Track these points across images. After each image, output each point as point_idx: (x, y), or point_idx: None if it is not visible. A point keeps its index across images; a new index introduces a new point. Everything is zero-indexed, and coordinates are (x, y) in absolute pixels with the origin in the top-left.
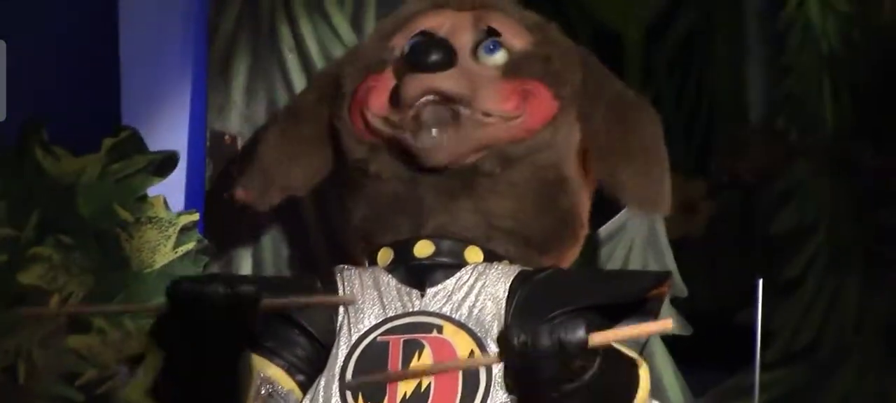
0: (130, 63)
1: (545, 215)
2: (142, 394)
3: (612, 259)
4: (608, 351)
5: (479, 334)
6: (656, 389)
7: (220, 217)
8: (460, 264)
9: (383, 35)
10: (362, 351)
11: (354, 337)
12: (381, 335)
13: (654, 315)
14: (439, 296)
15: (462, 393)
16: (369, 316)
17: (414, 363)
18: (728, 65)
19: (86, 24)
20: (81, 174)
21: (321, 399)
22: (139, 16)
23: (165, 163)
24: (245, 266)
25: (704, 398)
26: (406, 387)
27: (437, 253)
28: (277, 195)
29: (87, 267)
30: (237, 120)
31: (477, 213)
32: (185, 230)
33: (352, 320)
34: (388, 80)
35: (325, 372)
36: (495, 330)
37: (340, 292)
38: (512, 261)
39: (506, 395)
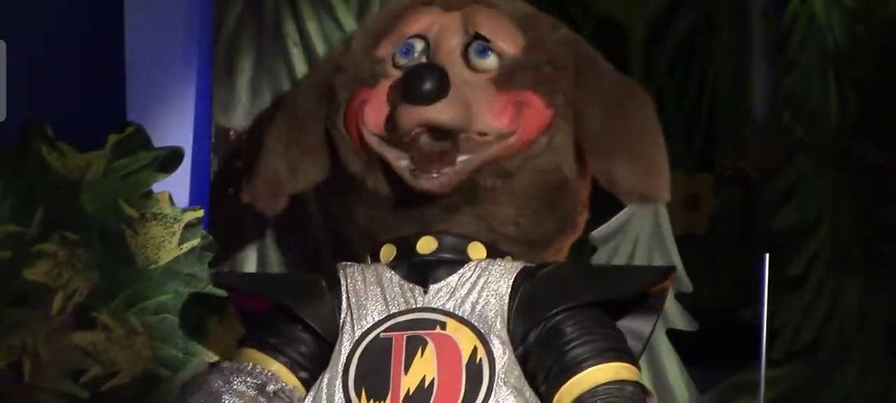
0: (135, 59)
1: (547, 216)
2: None
3: (617, 254)
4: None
5: (482, 330)
6: (661, 385)
7: (225, 213)
8: (463, 260)
9: (372, 40)
10: (365, 348)
11: (357, 334)
12: (384, 331)
13: (657, 310)
14: (442, 293)
15: (465, 389)
16: (372, 312)
17: (417, 359)
18: (731, 60)
19: (90, 20)
20: (86, 170)
21: (324, 396)
22: (144, 12)
23: (170, 158)
24: (250, 262)
25: (709, 393)
26: (409, 383)
27: (439, 249)
28: (285, 201)
29: (92, 263)
30: (242, 115)
31: (479, 220)
32: (189, 226)
33: (355, 316)
34: (381, 94)
35: (329, 369)
36: (498, 327)
37: (343, 288)
38: (515, 258)
39: (509, 391)
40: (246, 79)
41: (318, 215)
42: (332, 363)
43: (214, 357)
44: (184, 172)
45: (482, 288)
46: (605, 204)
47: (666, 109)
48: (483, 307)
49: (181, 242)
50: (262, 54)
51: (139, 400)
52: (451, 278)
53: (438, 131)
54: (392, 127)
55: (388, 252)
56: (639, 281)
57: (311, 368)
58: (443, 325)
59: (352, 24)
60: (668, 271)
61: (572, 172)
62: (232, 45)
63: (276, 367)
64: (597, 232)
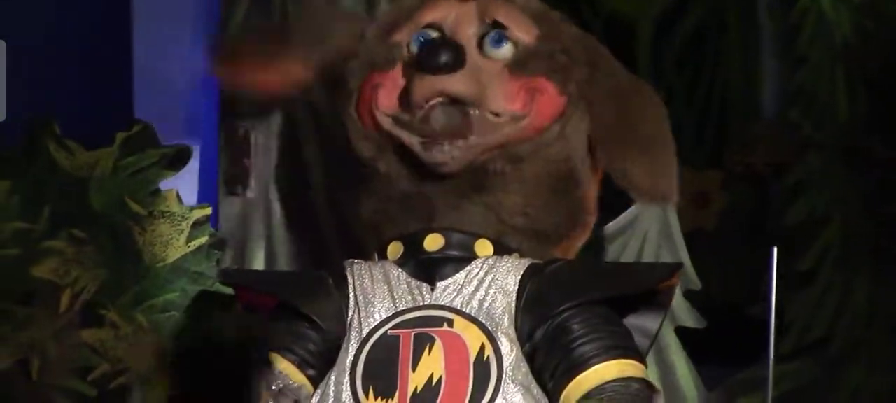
0: (143, 57)
1: (556, 207)
2: None
3: (626, 251)
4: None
5: (489, 327)
6: (669, 382)
7: (233, 211)
8: (470, 257)
9: (387, 28)
10: (373, 345)
11: (365, 332)
12: (391, 329)
13: (664, 307)
14: (450, 290)
15: (473, 387)
16: (380, 310)
17: (425, 357)
18: (740, 57)
19: (99, 18)
20: (94, 168)
21: (332, 394)
22: (151, 10)
23: (178, 156)
24: (258, 260)
25: (717, 390)
26: (417, 381)
27: (447, 247)
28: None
29: (100, 260)
30: (250, 113)
31: (488, 210)
32: (198, 224)
33: (362, 314)
34: (395, 78)
35: (336, 367)
36: (506, 324)
37: (350, 286)
38: (522, 254)
39: (516, 388)
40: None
41: (325, 214)
42: (339, 360)
43: None
44: (192, 170)
45: (489, 285)
46: (613, 200)
47: (675, 106)
48: (490, 304)
49: (189, 240)
50: None
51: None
52: (458, 275)
53: (452, 106)
54: (406, 103)
55: (395, 249)
56: (646, 277)
57: (319, 366)
58: (450, 323)
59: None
60: (676, 267)
61: (583, 165)
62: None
63: (284, 364)
64: (605, 229)
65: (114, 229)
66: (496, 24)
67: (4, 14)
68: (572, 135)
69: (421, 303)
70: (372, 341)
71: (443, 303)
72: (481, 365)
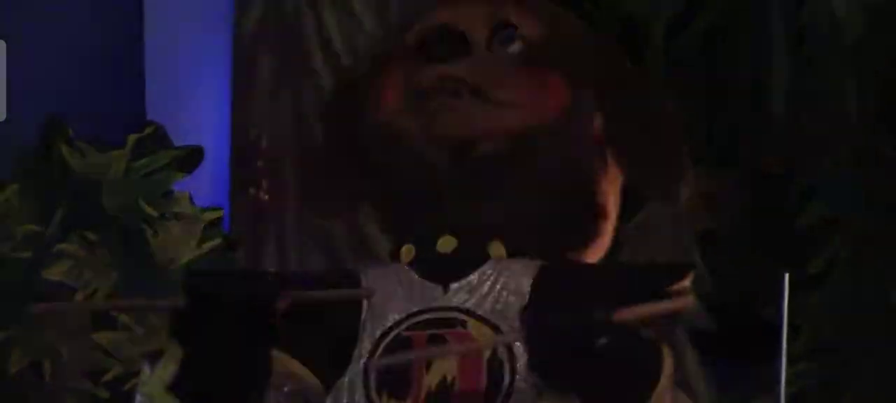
0: (155, 59)
1: (566, 205)
2: (162, 389)
3: (638, 252)
4: (632, 333)
5: (502, 329)
6: (681, 383)
7: (245, 213)
8: (483, 259)
9: (397, 29)
10: (386, 347)
11: (378, 333)
12: (404, 330)
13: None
14: (463, 291)
15: (486, 388)
16: (392, 311)
17: (438, 359)
18: (751, 57)
19: (111, 20)
20: (106, 170)
21: (345, 396)
22: (163, 12)
23: (190, 157)
24: (270, 262)
25: (729, 392)
26: (431, 382)
27: (459, 248)
28: None
29: (112, 263)
30: (262, 115)
31: (498, 211)
32: (210, 226)
33: (375, 315)
34: (402, 74)
35: (349, 369)
36: (519, 324)
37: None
38: (534, 256)
39: (529, 386)
40: (265, 79)
41: (337, 213)
42: (352, 362)
43: None
44: (204, 172)
45: (503, 286)
46: (625, 201)
47: (687, 105)
48: (504, 306)
49: (201, 242)
50: (282, 54)
51: None
52: (471, 277)
53: (457, 92)
54: (411, 94)
55: (407, 252)
56: (657, 278)
57: (331, 367)
58: (463, 324)
59: (372, 22)
60: (687, 268)
61: (592, 162)
62: (251, 45)
63: (296, 366)
64: (618, 230)
65: (126, 231)
66: (507, 24)
67: (16, 15)
68: (580, 133)
69: (434, 305)
70: (385, 343)
71: (456, 305)
72: (495, 364)
